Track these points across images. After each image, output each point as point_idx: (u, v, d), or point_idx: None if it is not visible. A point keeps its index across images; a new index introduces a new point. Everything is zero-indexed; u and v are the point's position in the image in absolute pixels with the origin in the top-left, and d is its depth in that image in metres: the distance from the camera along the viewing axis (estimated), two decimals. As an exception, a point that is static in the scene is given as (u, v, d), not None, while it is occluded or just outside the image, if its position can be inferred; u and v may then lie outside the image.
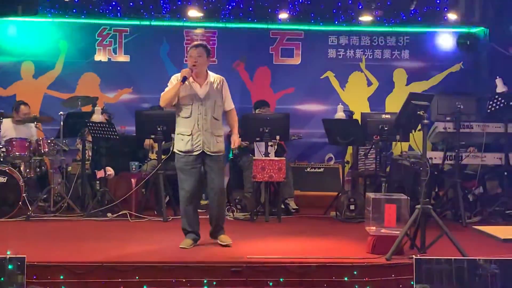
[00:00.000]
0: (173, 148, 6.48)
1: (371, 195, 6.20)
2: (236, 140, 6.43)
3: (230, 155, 9.12)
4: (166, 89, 6.24)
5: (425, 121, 5.88)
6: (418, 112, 5.90)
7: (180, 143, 6.21)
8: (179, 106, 6.23)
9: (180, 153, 6.23)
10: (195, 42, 6.45)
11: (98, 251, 5.98)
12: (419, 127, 6.12)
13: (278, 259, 5.66)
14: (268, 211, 8.08)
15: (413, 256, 5.22)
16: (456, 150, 7.90)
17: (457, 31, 10.42)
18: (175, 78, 6.24)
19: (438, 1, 9.24)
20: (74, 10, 9.84)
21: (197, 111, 6.17)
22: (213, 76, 6.34)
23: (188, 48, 6.46)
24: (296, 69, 10.68)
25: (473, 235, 6.14)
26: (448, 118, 8.01)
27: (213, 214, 6.38)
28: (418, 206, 5.80)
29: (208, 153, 6.19)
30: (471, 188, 8.45)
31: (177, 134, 6.27)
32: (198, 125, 6.15)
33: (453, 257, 5.14)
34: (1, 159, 8.06)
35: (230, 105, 6.46)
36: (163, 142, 8.12)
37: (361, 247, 6.19)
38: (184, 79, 6.12)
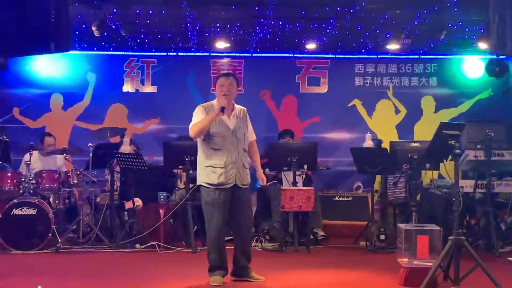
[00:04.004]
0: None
1: (402, 226, 6.11)
2: (264, 178, 6.35)
3: (257, 185, 9.09)
4: (195, 120, 6.06)
5: (457, 150, 5.80)
6: (450, 142, 5.82)
7: (212, 176, 5.98)
8: (210, 138, 6.03)
9: (210, 186, 6.01)
10: (224, 71, 6.36)
11: (131, 287, 5.97)
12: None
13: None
14: (297, 241, 8.01)
15: (447, 288, 5.14)
16: (488, 179, 7.79)
17: (485, 58, 10.36)
18: (202, 109, 6.09)
19: (467, 29, 9.16)
20: (103, 43, 9.96)
21: (229, 143, 6.03)
22: (237, 107, 6.24)
23: (217, 76, 6.31)
24: (322, 98, 10.67)
25: (507, 266, 6.03)
26: (478, 146, 7.92)
27: (243, 249, 6.21)
28: (451, 237, 5.69)
29: (239, 185, 6.07)
30: (503, 216, 8.30)
31: (207, 166, 6.03)
32: (231, 157, 6.00)
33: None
34: (31, 191, 8.11)
35: (253, 135, 6.37)
36: (191, 172, 8.11)
37: (393, 279, 6.10)
38: (223, 109, 5.97)
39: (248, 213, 6.26)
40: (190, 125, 6.08)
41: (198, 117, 6.07)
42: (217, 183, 5.97)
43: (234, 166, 6.01)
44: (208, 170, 6.03)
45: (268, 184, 6.97)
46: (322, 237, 8.61)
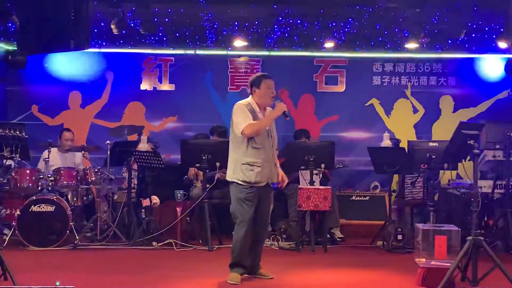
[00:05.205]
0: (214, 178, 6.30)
1: (420, 226, 6.07)
2: (284, 175, 6.39)
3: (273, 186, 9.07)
4: (245, 119, 5.97)
5: (476, 150, 5.76)
6: (469, 142, 5.78)
7: (249, 174, 5.99)
8: (252, 137, 6.03)
9: (245, 183, 6.02)
10: (263, 73, 6.40)
11: (148, 284, 5.99)
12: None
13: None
14: (314, 240, 7.99)
15: (465, 289, 5.10)
16: (506, 179, 7.72)
17: (505, 57, 10.26)
18: (246, 109, 6.03)
19: (487, 28, 9.09)
20: (121, 41, 10.00)
21: (267, 142, 6.08)
22: (268, 107, 6.26)
23: (259, 76, 6.24)
24: (340, 97, 10.62)
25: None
26: (497, 146, 7.86)
27: (256, 247, 6.23)
28: (470, 237, 5.66)
29: (269, 183, 6.15)
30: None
31: (244, 164, 6.02)
32: (267, 155, 6.07)
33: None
34: (49, 188, 8.15)
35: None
36: (208, 171, 8.12)
37: (411, 279, 6.07)
38: (285, 113, 6.09)
39: (269, 212, 6.31)
40: (242, 123, 5.99)
41: (247, 116, 6.02)
42: (254, 181, 6.01)
43: (269, 165, 6.10)
44: (245, 168, 6.02)
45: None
46: (340, 239, 8.58)
